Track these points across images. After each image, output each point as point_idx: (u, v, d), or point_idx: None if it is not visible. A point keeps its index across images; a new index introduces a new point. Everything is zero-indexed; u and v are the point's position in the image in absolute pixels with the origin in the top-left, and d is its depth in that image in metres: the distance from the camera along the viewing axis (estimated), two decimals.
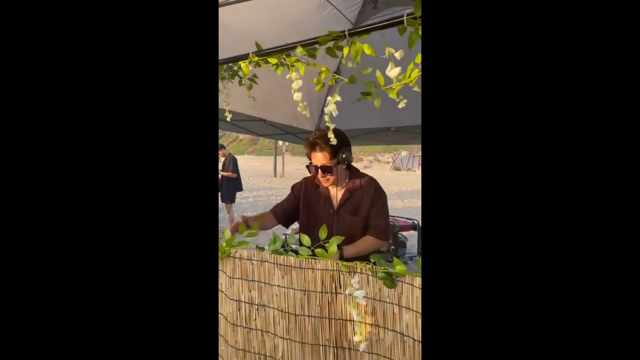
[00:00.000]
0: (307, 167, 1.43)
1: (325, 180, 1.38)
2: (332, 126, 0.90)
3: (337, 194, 1.42)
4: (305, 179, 1.52)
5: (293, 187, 1.54)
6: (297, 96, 0.89)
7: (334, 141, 0.98)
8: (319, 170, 1.36)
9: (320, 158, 1.36)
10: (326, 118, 0.85)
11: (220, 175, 5.23)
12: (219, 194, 5.30)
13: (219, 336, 1.15)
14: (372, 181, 1.44)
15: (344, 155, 1.35)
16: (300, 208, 1.50)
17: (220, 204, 6.77)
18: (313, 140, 1.36)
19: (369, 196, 1.39)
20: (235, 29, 1.83)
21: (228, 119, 1.26)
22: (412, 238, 4.17)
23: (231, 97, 1.21)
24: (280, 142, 17.43)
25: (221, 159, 5.32)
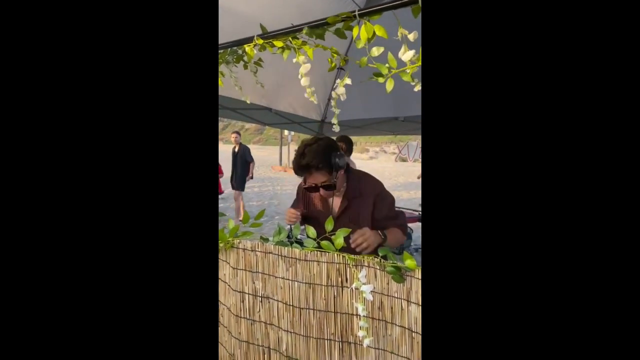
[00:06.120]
0: (306, 189, 1.27)
1: (328, 195, 1.26)
2: (337, 111, 0.86)
3: (334, 200, 1.31)
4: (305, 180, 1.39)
5: (298, 190, 1.45)
6: (304, 81, 0.84)
7: (337, 128, 0.91)
8: (321, 189, 1.23)
9: (318, 177, 1.21)
10: (333, 103, 0.81)
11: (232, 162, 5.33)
12: (231, 183, 5.38)
13: (223, 327, 1.14)
14: (373, 186, 1.30)
15: (337, 160, 1.21)
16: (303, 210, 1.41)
17: (227, 194, 6.80)
18: (305, 164, 1.18)
19: (370, 203, 1.27)
20: (239, 13, 1.78)
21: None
22: (418, 230, 4.13)
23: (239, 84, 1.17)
24: (286, 132, 17.37)
25: (235, 145, 5.39)
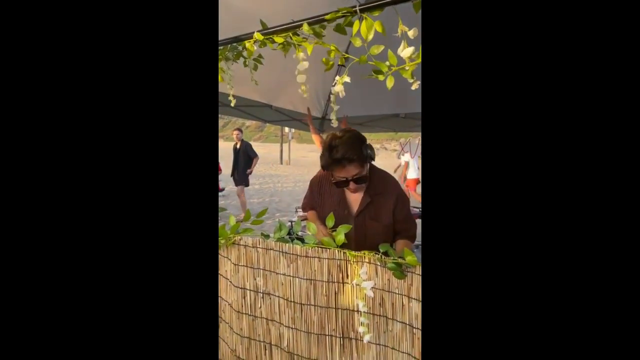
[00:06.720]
0: (336, 184, 1.21)
1: (358, 189, 1.22)
2: (335, 108, 0.85)
3: (355, 196, 1.27)
4: (321, 173, 1.35)
5: (311, 184, 1.40)
6: (300, 78, 0.84)
7: (335, 124, 0.91)
8: (351, 182, 1.18)
9: (350, 170, 1.16)
10: (332, 99, 0.81)
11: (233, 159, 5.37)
12: (233, 178, 5.42)
13: (225, 323, 1.14)
14: (395, 185, 1.29)
15: (369, 151, 1.19)
16: (318, 205, 1.38)
17: (228, 191, 6.80)
18: (339, 157, 1.14)
19: (392, 202, 1.25)
20: (239, 9, 1.77)
21: (232, 104, 1.21)
22: (419, 226, 4.12)
23: (236, 82, 1.17)
24: (287, 129, 17.35)
25: (237, 141, 5.44)
